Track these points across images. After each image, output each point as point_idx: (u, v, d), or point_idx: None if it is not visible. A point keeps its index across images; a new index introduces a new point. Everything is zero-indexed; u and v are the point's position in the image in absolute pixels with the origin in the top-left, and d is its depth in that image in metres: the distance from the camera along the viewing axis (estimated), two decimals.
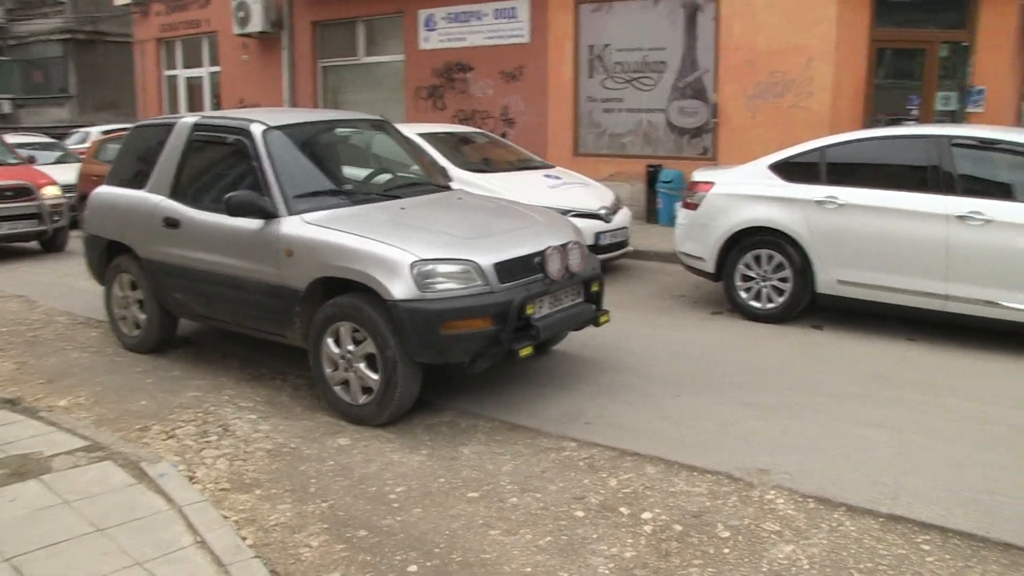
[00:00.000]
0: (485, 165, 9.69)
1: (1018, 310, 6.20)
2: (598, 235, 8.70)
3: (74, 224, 11.66)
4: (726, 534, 3.70)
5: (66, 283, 9.33)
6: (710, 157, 11.89)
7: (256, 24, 16.47)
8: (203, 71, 19.06)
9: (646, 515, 3.88)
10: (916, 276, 6.56)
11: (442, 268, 4.70)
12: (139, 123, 7.26)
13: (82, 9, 27.68)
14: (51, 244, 11.61)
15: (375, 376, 4.82)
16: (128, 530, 3.55)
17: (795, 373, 5.97)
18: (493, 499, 4.03)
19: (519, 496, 4.06)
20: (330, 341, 5.00)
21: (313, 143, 6.20)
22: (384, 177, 6.37)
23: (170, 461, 4.35)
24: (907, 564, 3.45)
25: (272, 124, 5.70)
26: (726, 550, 3.57)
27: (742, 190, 7.43)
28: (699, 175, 7.95)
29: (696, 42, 12.01)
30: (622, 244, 9.25)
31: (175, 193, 6.01)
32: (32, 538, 3.48)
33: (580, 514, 3.89)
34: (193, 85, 19.41)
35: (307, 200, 5.35)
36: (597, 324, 5.60)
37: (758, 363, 6.20)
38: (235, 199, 5.24)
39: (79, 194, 12.19)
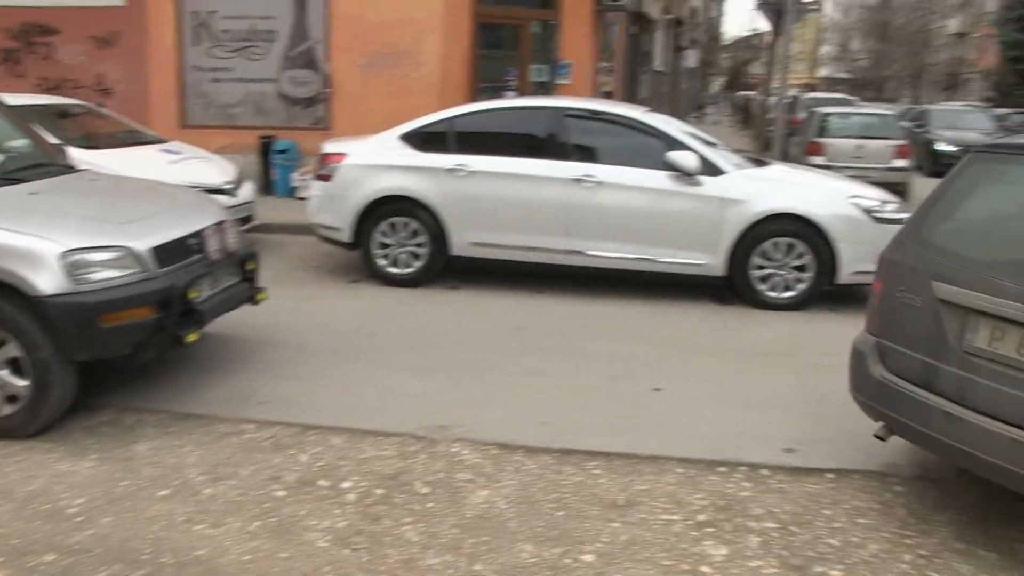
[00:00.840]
0: (92, 141, 8.86)
1: (641, 260, 7.20)
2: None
3: None
4: (426, 490, 3.93)
5: None
6: (324, 127, 11.95)
7: None
8: None
9: (346, 484, 3.98)
10: (542, 235, 7.31)
11: (95, 256, 4.33)
12: None
13: None
14: None
15: (22, 382, 4.33)
16: None
17: (443, 332, 6.37)
18: (187, 493, 3.87)
19: (213, 486, 3.94)
20: None
21: None
22: None
23: None
24: (585, 488, 3.95)
25: None
26: (430, 504, 3.80)
27: (375, 160, 7.66)
28: (330, 146, 8.04)
29: (306, 12, 11.96)
30: (249, 219, 9.04)
31: None
32: None
33: (281, 494, 3.88)
34: None
35: None
36: (255, 303, 5.53)
37: (407, 326, 6.51)
38: None
39: None
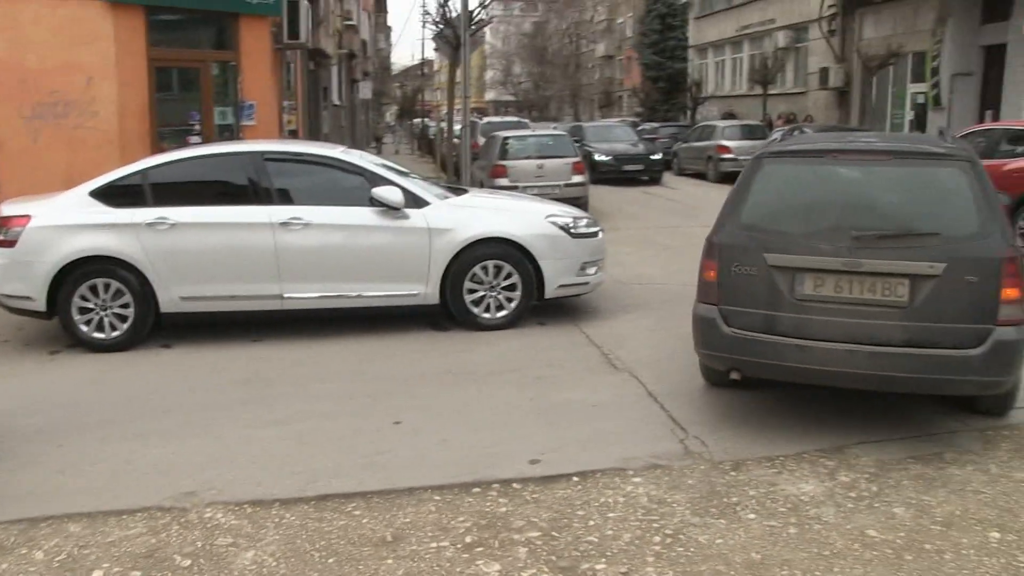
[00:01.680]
0: None
1: (353, 297, 7.29)
2: None
3: None
4: (187, 563, 3.79)
5: None
6: None
7: None
8: None
9: (96, 574, 3.74)
10: (253, 282, 7.20)
11: None
12: None
13: None
14: None
15: None
16: None
17: (166, 395, 6.09)
18: None
19: None
20: None
21: None
22: None
23: None
24: (350, 530, 4.02)
25: None
26: None
27: (65, 220, 7.15)
28: (8, 209, 7.38)
29: None
30: None
31: None
32: None
33: None
34: None
35: None
36: None
37: (125, 393, 6.16)
38: None
39: None
